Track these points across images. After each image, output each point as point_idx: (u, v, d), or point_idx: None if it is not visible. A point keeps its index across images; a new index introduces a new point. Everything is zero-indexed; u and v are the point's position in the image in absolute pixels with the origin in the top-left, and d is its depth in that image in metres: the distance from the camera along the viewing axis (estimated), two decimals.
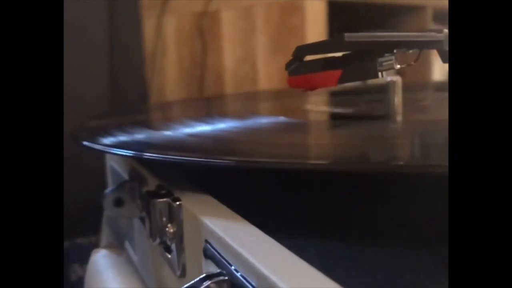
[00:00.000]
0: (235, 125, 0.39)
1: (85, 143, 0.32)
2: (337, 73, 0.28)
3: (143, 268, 0.37)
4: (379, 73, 0.28)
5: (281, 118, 0.39)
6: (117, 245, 0.39)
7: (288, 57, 0.97)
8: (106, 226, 0.40)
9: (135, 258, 0.39)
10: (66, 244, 0.60)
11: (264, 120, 0.41)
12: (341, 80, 0.29)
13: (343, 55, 0.29)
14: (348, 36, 0.28)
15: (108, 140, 0.35)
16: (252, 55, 0.89)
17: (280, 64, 0.89)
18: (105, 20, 0.82)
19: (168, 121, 0.46)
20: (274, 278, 0.19)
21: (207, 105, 0.59)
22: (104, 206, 0.35)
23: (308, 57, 0.31)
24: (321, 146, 0.30)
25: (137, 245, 0.38)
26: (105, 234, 0.39)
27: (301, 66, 0.30)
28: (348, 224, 0.26)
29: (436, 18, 1.05)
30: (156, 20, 0.92)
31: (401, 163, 0.25)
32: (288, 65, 0.31)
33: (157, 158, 0.28)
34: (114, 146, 0.33)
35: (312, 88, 0.30)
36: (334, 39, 0.29)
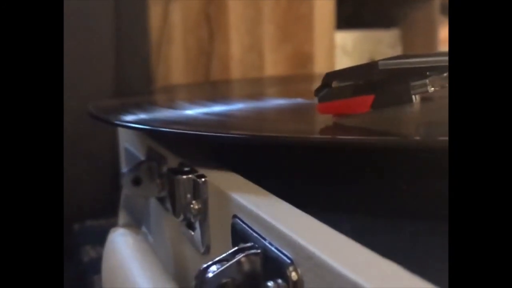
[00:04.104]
0: (255, 105, 0.39)
1: (111, 120, 0.32)
2: (369, 98, 0.28)
3: (160, 248, 0.37)
4: (413, 97, 0.28)
5: (299, 100, 0.39)
6: (135, 225, 0.38)
7: (296, 46, 0.96)
8: (123, 206, 0.40)
9: (151, 239, 0.39)
10: (76, 226, 0.59)
11: (282, 101, 0.40)
12: (374, 105, 0.28)
13: (375, 80, 0.28)
14: (382, 64, 0.27)
15: (129, 118, 0.35)
16: (259, 44, 0.89)
17: (287, 53, 0.89)
18: (111, 7, 0.81)
19: (182, 102, 0.46)
20: (312, 248, 0.19)
21: (222, 87, 0.59)
22: (123, 185, 0.35)
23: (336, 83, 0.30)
24: (343, 125, 0.30)
25: (154, 226, 0.38)
26: (123, 214, 0.39)
27: (330, 92, 0.29)
28: (379, 198, 0.26)
29: (444, 10, 1.04)
30: (162, 7, 0.92)
31: (434, 138, 0.25)
32: (317, 92, 0.30)
33: (186, 133, 0.28)
34: (136, 123, 0.33)
35: (344, 114, 0.30)
36: (365, 66, 0.28)
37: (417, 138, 0.27)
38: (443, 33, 1.04)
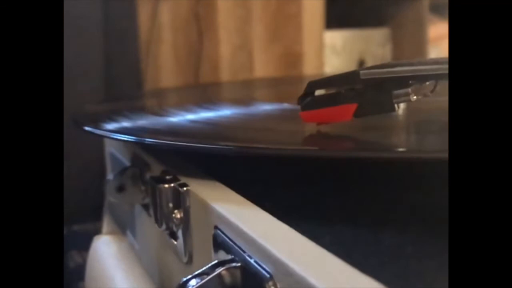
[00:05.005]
0: (242, 111, 0.38)
1: (88, 128, 0.31)
2: (352, 106, 0.28)
3: (145, 256, 0.37)
4: (396, 106, 0.27)
5: (285, 105, 0.39)
6: (119, 232, 0.38)
7: (285, 45, 0.96)
8: (107, 213, 0.40)
9: (136, 245, 0.39)
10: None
11: (269, 107, 0.40)
12: (357, 114, 0.28)
13: (358, 89, 0.28)
14: (364, 73, 0.27)
15: (110, 126, 0.34)
16: (248, 43, 0.89)
17: (276, 53, 0.89)
18: (99, 6, 0.81)
19: (169, 108, 0.45)
20: (292, 264, 0.19)
21: (208, 91, 0.59)
22: (107, 192, 0.34)
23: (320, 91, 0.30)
24: (327, 134, 0.30)
25: (139, 233, 0.38)
26: (107, 221, 0.39)
27: (314, 100, 0.29)
28: (360, 210, 0.25)
29: (433, 9, 1.04)
30: (151, 6, 0.91)
31: (417, 149, 0.25)
32: (300, 100, 0.30)
33: (169, 144, 0.27)
34: (117, 132, 0.33)
35: (327, 122, 0.29)
36: (347, 75, 0.28)
37: (402, 150, 0.27)
38: (432, 32, 1.04)
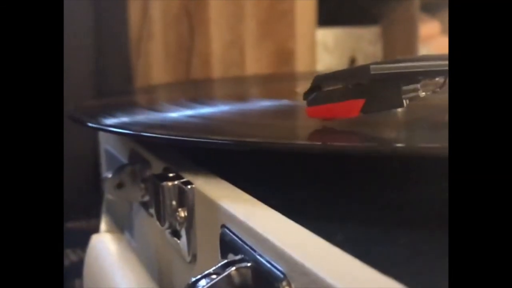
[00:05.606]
0: (240, 107, 0.38)
1: (90, 124, 0.31)
2: (360, 102, 0.27)
3: (144, 254, 0.36)
4: (404, 101, 0.27)
5: (285, 101, 0.39)
6: (117, 230, 0.37)
7: (277, 42, 0.95)
8: (105, 211, 0.39)
9: (134, 244, 0.38)
10: None
11: (268, 103, 0.40)
12: (364, 110, 0.27)
13: (365, 84, 0.27)
14: (374, 68, 0.27)
15: (109, 121, 0.34)
16: (240, 40, 0.88)
17: (268, 49, 0.88)
18: (90, 2, 0.80)
19: (165, 104, 0.45)
20: (307, 263, 0.18)
21: (202, 87, 0.58)
22: (105, 190, 0.34)
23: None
24: (333, 129, 0.29)
25: (137, 231, 0.37)
26: (106, 219, 0.38)
27: (320, 95, 0.28)
28: (369, 208, 0.25)
29: (424, 7, 1.05)
30: (142, 2, 0.90)
31: (425, 145, 0.25)
32: (306, 95, 0.29)
33: (171, 138, 0.27)
34: (117, 127, 0.32)
35: (333, 118, 0.29)
36: (356, 69, 0.28)
37: (412, 145, 0.27)
38: (423, 30, 1.04)
